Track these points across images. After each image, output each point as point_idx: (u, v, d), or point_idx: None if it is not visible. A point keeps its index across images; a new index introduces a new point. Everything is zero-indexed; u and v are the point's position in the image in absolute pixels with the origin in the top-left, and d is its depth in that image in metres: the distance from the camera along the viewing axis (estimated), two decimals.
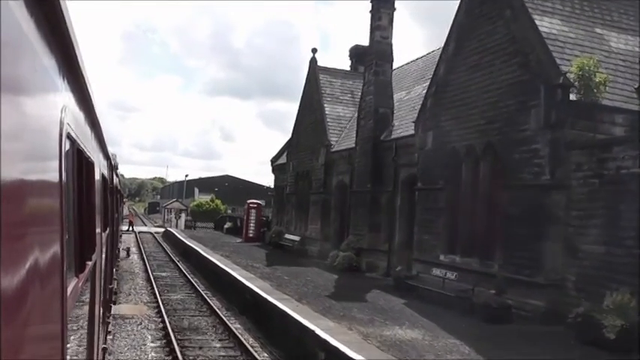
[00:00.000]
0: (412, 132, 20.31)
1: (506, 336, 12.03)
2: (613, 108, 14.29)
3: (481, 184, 16.31)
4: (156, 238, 45.24)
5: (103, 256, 5.81)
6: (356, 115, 27.35)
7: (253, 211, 37.62)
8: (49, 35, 1.58)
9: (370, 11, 23.99)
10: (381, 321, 12.64)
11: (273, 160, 39.93)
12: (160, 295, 18.68)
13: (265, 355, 12.23)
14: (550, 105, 13.98)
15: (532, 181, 14.24)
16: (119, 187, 16.59)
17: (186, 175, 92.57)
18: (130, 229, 50.57)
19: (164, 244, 39.73)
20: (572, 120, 13.95)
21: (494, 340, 11.57)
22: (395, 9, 23.90)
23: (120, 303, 17.26)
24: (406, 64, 29.53)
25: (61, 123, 1.81)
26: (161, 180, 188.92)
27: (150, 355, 12.23)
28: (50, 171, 1.61)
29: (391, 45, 23.81)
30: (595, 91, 13.97)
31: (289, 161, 34.01)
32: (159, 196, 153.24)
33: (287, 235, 31.01)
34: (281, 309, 13.34)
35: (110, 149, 7.21)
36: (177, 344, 12.63)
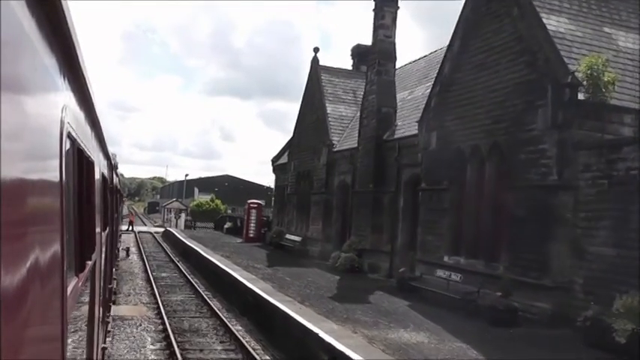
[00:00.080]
0: (415, 132, 20.06)
1: (514, 339, 11.80)
2: (621, 108, 14.06)
3: (486, 184, 16.07)
4: (155, 238, 45.01)
5: (103, 255, 5.78)
6: (358, 114, 27.14)
7: (254, 211, 37.38)
8: (50, 35, 1.58)
9: (373, 10, 23.77)
10: (385, 323, 12.40)
11: (274, 160, 39.69)
12: (160, 296, 18.44)
13: (267, 358, 12.00)
14: (558, 104, 13.75)
15: (539, 182, 14.00)
16: (119, 187, 16.45)
17: (186, 175, 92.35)
18: (130, 228, 50.34)
19: (164, 244, 39.50)
20: (579, 120, 13.72)
21: (502, 344, 11.34)
22: (398, 7, 23.70)
23: (119, 304, 17.02)
24: (408, 63, 29.30)
25: (62, 122, 1.82)
26: (161, 180, 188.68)
27: (150, 358, 12.00)
28: (50, 170, 1.61)
29: (394, 44, 23.58)
30: (604, 90, 13.74)
31: (290, 161, 33.76)
32: (158, 196, 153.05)
33: (288, 236, 30.77)
34: (283, 311, 13.10)
35: (110, 149, 7.17)
36: (178, 347, 12.40)
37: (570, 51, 14.82)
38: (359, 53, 33.94)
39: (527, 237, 14.03)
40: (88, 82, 2.65)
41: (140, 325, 14.63)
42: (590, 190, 13.10)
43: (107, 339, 10.28)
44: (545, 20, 14.98)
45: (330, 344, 10.28)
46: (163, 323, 14.65)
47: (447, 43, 18.82)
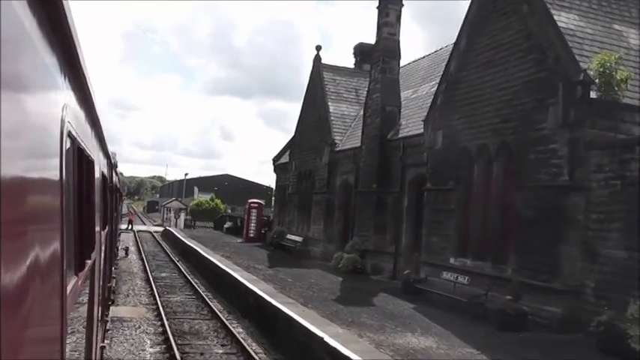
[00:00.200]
0: (420, 131, 19.72)
1: (525, 344, 11.44)
2: (633, 106, 13.69)
3: (494, 184, 15.71)
4: (155, 238, 44.65)
5: (102, 254, 5.77)
6: (361, 113, 26.79)
7: (254, 210, 37.02)
8: (50, 34, 1.59)
9: (377, 7, 23.42)
10: (392, 327, 12.04)
11: (275, 159, 39.32)
12: (160, 297, 18.08)
13: None
14: (569, 103, 13.39)
15: (549, 183, 13.64)
16: (118, 186, 16.15)
17: (186, 174, 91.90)
18: (130, 227, 49.98)
19: (163, 244, 39.14)
20: (591, 119, 13.35)
21: (513, 349, 11.00)
22: (403, 5, 23.35)
23: (118, 305, 16.65)
24: (412, 62, 28.95)
25: (62, 121, 1.82)
26: (160, 179, 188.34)
27: None
28: (51, 169, 1.61)
29: (399, 42, 23.24)
30: (616, 88, 13.38)
31: (292, 160, 33.39)
32: (158, 195, 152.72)
33: (289, 236, 30.39)
34: (286, 313, 12.73)
35: (110, 147, 7.09)
36: (178, 349, 12.05)
37: (581, 48, 14.46)
38: (361, 52, 33.61)
39: (537, 239, 13.68)
40: (88, 80, 2.66)
41: (139, 326, 14.26)
42: (602, 191, 12.75)
43: (105, 340, 10.16)
44: (555, 17, 14.62)
45: (335, 349, 9.92)
46: (163, 325, 14.29)
47: (451, 41, 18.53)
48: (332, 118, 28.25)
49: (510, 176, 15.10)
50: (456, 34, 17.93)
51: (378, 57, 23.27)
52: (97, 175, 4.12)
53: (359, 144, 24.37)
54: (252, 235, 36.08)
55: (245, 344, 12.68)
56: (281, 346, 12.50)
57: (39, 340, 1.46)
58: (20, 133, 1.19)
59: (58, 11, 1.58)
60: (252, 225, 36.57)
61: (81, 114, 2.76)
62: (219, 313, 15.87)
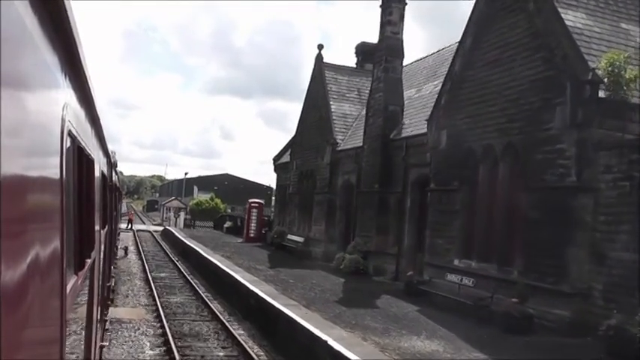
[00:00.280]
0: (423, 131, 19.48)
1: (532, 348, 11.20)
2: None
3: (500, 185, 15.48)
4: (154, 237, 44.39)
5: (102, 254, 5.79)
6: (363, 113, 26.56)
7: (255, 210, 36.76)
8: (52, 33, 1.60)
9: (380, 6, 23.18)
10: (396, 330, 11.80)
11: (276, 159, 39.06)
12: (159, 298, 17.83)
13: None
14: (577, 102, 13.16)
15: (556, 183, 13.41)
16: (118, 185, 15.96)
17: (186, 173, 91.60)
18: (130, 227, 49.72)
19: (163, 243, 38.88)
20: (600, 119, 13.12)
21: (520, 353, 10.76)
22: (406, 3, 23.09)
23: (117, 305, 16.41)
24: (415, 61, 28.69)
25: (63, 120, 1.82)
26: (160, 178, 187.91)
27: None
28: (51, 168, 1.62)
29: (402, 41, 22.99)
30: (625, 88, 13.14)
31: (293, 160, 33.13)
32: (157, 194, 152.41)
33: (290, 236, 30.14)
34: (289, 316, 12.49)
35: (109, 146, 7.11)
36: (178, 352, 11.81)
37: (589, 47, 14.22)
38: (363, 51, 33.37)
39: (544, 240, 13.44)
40: (88, 80, 2.66)
41: (138, 328, 14.01)
42: (610, 193, 12.51)
43: (104, 342, 10.02)
44: (562, 15, 14.38)
45: (339, 352, 9.69)
46: (162, 327, 14.05)
47: (451, 41, 18.32)
48: (334, 117, 28.00)
49: (516, 177, 14.87)
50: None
51: (381, 56, 23.02)
52: (97, 174, 4.12)
53: (361, 144, 24.13)
54: (252, 235, 35.83)
55: (246, 346, 12.45)
56: (283, 348, 12.26)
57: (39, 338, 1.47)
58: (21, 131, 1.19)
59: (60, 10, 1.59)
60: (253, 225, 36.32)
61: (81, 113, 2.77)
62: (219, 314, 15.63)
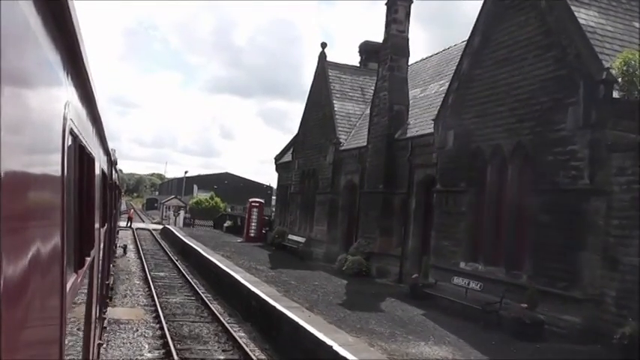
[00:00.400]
0: (429, 131, 19.12)
1: (543, 355, 10.85)
2: None
3: (508, 187, 15.12)
4: (154, 236, 44.00)
5: (101, 252, 5.80)
6: (366, 112, 26.22)
7: (255, 210, 36.35)
8: (55, 31, 1.61)
9: (386, 3, 22.81)
10: (403, 335, 11.44)
11: (277, 158, 38.68)
12: (158, 298, 17.47)
13: None
14: (590, 102, 12.79)
15: (568, 186, 13.04)
16: (118, 183, 15.68)
17: (186, 172, 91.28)
18: (129, 225, 49.33)
19: (162, 242, 38.49)
20: (613, 119, 12.75)
21: None
22: (412, 1, 22.72)
23: (115, 305, 16.04)
24: (420, 60, 28.32)
25: (64, 119, 1.84)
26: (160, 176, 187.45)
27: None
28: (53, 166, 1.62)
29: (408, 39, 22.64)
30: None
31: (295, 159, 32.73)
32: (157, 193, 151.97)
33: (291, 236, 29.74)
34: (292, 319, 12.13)
35: (110, 144, 7.03)
36: (178, 355, 11.46)
37: (602, 46, 13.86)
38: (367, 50, 33.01)
39: (554, 244, 13.08)
40: (90, 78, 2.66)
41: (137, 329, 13.64)
42: (624, 196, 12.14)
43: (102, 344, 9.80)
44: (575, 14, 14.03)
45: (345, 359, 9.34)
46: (162, 328, 13.69)
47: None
48: (337, 116, 27.63)
49: (526, 178, 14.51)
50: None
51: (387, 54, 22.65)
52: (97, 172, 4.12)
53: (364, 143, 23.76)
54: (252, 234, 35.43)
55: (247, 349, 12.11)
56: (285, 352, 11.91)
57: (39, 336, 1.47)
58: (24, 129, 1.19)
59: (63, 9, 1.59)
60: (253, 224, 35.92)
61: (83, 111, 2.77)
62: (219, 315, 15.27)
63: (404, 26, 22.53)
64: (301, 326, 11.48)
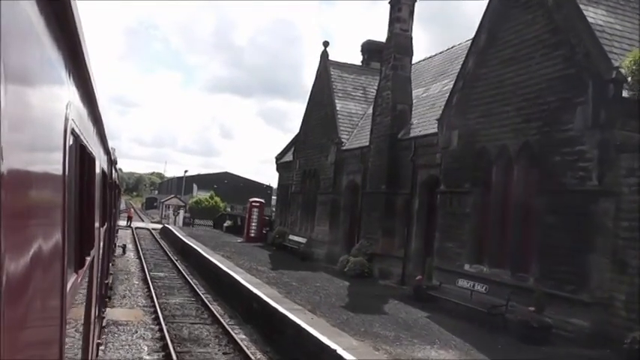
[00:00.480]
0: (433, 131, 18.89)
1: (551, 359, 10.61)
2: None
3: (514, 188, 14.87)
4: (153, 235, 43.75)
5: (101, 251, 5.79)
6: (368, 112, 25.96)
7: (256, 210, 36.10)
8: (57, 32, 1.62)
9: (390, 2, 22.56)
10: (408, 339, 11.18)
11: (278, 158, 38.42)
12: (158, 299, 17.21)
13: None
14: (599, 102, 12.55)
15: (576, 187, 12.80)
16: (118, 182, 15.52)
17: (186, 171, 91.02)
18: (128, 224, 49.05)
19: (162, 242, 38.24)
20: (623, 119, 12.51)
21: None
22: (416, 0, 22.47)
23: (114, 306, 15.79)
24: (423, 60, 28.07)
25: (66, 119, 1.85)
26: (159, 175, 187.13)
27: None
28: (54, 166, 1.63)
29: (411, 38, 22.38)
30: None
31: (296, 159, 32.46)
32: (157, 192, 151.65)
33: (292, 237, 29.49)
34: (294, 321, 11.87)
35: (109, 143, 7.06)
36: (177, 358, 11.20)
37: (611, 45, 13.61)
38: (369, 49, 32.72)
39: (562, 247, 12.84)
40: (92, 78, 2.67)
41: (136, 331, 13.39)
42: (634, 197, 11.90)
43: (100, 346, 9.71)
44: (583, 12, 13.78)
45: None
46: (161, 330, 13.42)
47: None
48: (339, 116, 27.36)
49: (532, 179, 14.27)
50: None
51: (390, 53, 22.39)
52: (98, 171, 4.12)
53: (366, 143, 23.51)
54: (252, 234, 35.18)
55: (249, 352, 11.86)
56: (288, 355, 11.66)
57: (39, 336, 1.47)
58: (26, 129, 1.20)
59: (66, 10, 1.60)
60: (254, 224, 35.66)
61: (84, 111, 2.78)
62: (220, 317, 15.01)
63: (407, 25, 22.27)
64: (304, 329, 11.23)
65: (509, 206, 15.00)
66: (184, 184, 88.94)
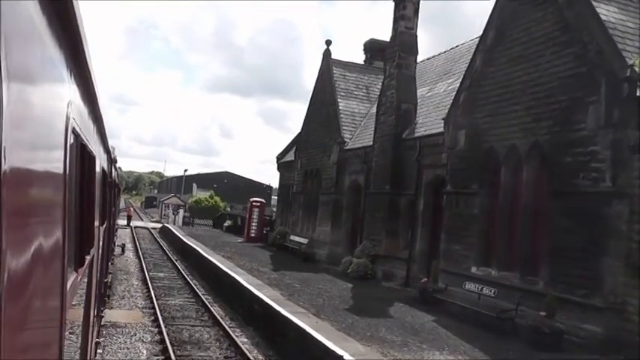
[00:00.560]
0: (438, 130, 18.54)
1: None
2: None
3: (524, 189, 14.51)
4: (152, 234, 43.40)
5: (100, 250, 5.78)
6: (371, 111, 25.63)
7: (256, 209, 35.73)
8: (59, 31, 1.63)
9: (394, 0, 22.21)
10: (416, 344, 10.84)
11: (279, 157, 38.04)
12: (157, 300, 16.87)
13: None
14: (613, 101, 12.20)
15: (588, 188, 12.44)
16: (117, 181, 15.22)
17: (185, 170, 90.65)
18: (128, 223, 48.67)
19: (161, 241, 37.88)
20: (637, 119, 12.15)
21: None
22: None
23: (113, 307, 15.44)
24: (427, 59, 27.70)
25: (67, 117, 1.85)
26: (159, 174, 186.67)
27: None
28: (55, 164, 1.63)
29: (416, 37, 22.03)
30: None
31: (297, 158, 32.09)
32: (156, 191, 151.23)
33: (293, 237, 29.13)
34: (298, 325, 11.53)
35: (109, 142, 7.05)
36: None
37: (623, 43, 13.25)
38: (372, 48, 32.44)
39: (573, 250, 12.48)
40: (92, 77, 2.69)
41: (135, 334, 13.03)
42: None
43: (98, 350, 9.58)
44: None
45: None
46: (160, 332, 13.08)
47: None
48: (341, 115, 27.00)
49: (542, 180, 13.92)
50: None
51: (394, 52, 22.03)
52: (98, 169, 4.12)
53: (369, 143, 23.16)
54: (253, 234, 34.82)
55: (251, 357, 11.52)
56: (291, 359, 11.31)
57: (39, 335, 1.46)
58: (27, 128, 1.20)
59: (68, 9, 1.62)
60: (254, 224, 35.30)
61: (84, 110, 2.79)
62: (220, 319, 14.67)
63: (412, 23, 21.93)
64: (308, 333, 10.89)
65: (519, 208, 14.64)
66: (184, 183, 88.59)
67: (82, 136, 2.57)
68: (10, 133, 0.97)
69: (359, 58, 33.13)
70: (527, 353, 11.12)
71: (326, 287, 17.49)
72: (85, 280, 3.50)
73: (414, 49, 21.95)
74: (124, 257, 27.17)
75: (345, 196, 25.36)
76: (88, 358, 4.06)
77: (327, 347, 9.84)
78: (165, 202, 70.65)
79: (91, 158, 3.26)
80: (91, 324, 4.25)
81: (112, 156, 9.17)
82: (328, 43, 29.94)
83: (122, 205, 63.22)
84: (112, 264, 18.58)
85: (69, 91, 1.99)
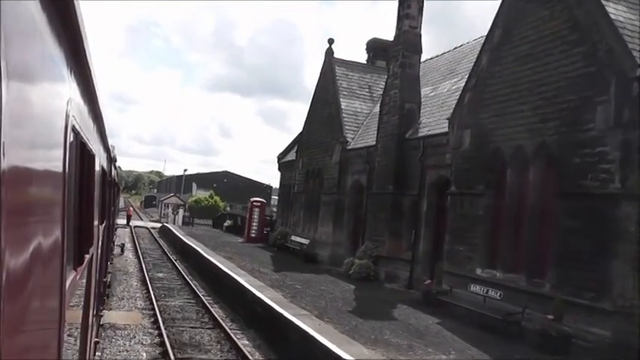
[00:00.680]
0: (442, 130, 18.32)
1: None
2: None
3: (530, 190, 14.28)
4: (152, 234, 43.17)
5: (99, 249, 5.76)
6: (374, 110, 25.43)
7: (257, 209, 35.51)
8: (60, 30, 1.63)
9: None
10: (422, 348, 10.61)
11: (280, 157, 37.82)
12: (157, 301, 16.63)
13: None
14: (622, 101, 11.97)
15: (597, 190, 12.21)
16: (117, 180, 15.05)
17: (185, 170, 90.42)
18: (128, 223, 48.45)
19: (161, 241, 37.65)
20: None
21: None
22: None
23: (111, 309, 15.21)
24: (430, 58, 27.48)
25: (67, 115, 1.85)
26: (158, 174, 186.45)
27: None
28: (54, 163, 1.63)
29: (420, 36, 21.80)
30: None
31: (299, 158, 31.85)
32: (156, 190, 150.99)
33: (294, 238, 28.90)
34: (301, 328, 11.29)
35: (109, 141, 6.97)
36: None
37: (633, 42, 13.02)
38: (374, 48, 32.29)
39: (581, 252, 12.25)
40: (93, 75, 2.69)
41: (134, 336, 12.79)
42: None
43: (97, 353, 9.47)
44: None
45: None
46: (160, 335, 12.84)
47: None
48: (344, 114, 26.77)
49: (550, 182, 13.69)
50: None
51: (398, 51, 21.81)
52: (97, 168, 4.13)
53: (372, 142, 22.93)
54: (253, 235, 34.60)
55: (252, 359, 11.29)
56: None
57: (38, 334, 1.46)
58: (26, 125, 1.19)
59: (68, 8, 1.62)
60: (254, 224, 35.08)
61: (84, 108, 2.77)
62: (221, 321, 14.43)
63: (417, 22, 21.70)
64: (311, 336, 10.66)
65: (525, 209, 14.42)
66: (184, 182, 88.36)
67: (82, 134, 2.56)
68: (10, 130, 0.97)
69: (359, 58, 33.02)
70: (534, 357, 10.89)
71: (328, 289, 17.26)
72: (84, 279, 3.49)
73: (418, 48, 21.73)
74: (123, 257, 26.94)
75: (347, 197, 25.14)
76: (87, 357, 4.06)
77: (331, 350, 9.61)
78: (164, 201, 70.41)
79: (91, 157, 3.26)
80: (90, 323, 4.24)
81: (112, 155, 9.11)
82: (331, 41, 29.70)
83: (122, 204, 62.98)
84: (111, 264, 18.39)
85: (69, 89, 1.98)
